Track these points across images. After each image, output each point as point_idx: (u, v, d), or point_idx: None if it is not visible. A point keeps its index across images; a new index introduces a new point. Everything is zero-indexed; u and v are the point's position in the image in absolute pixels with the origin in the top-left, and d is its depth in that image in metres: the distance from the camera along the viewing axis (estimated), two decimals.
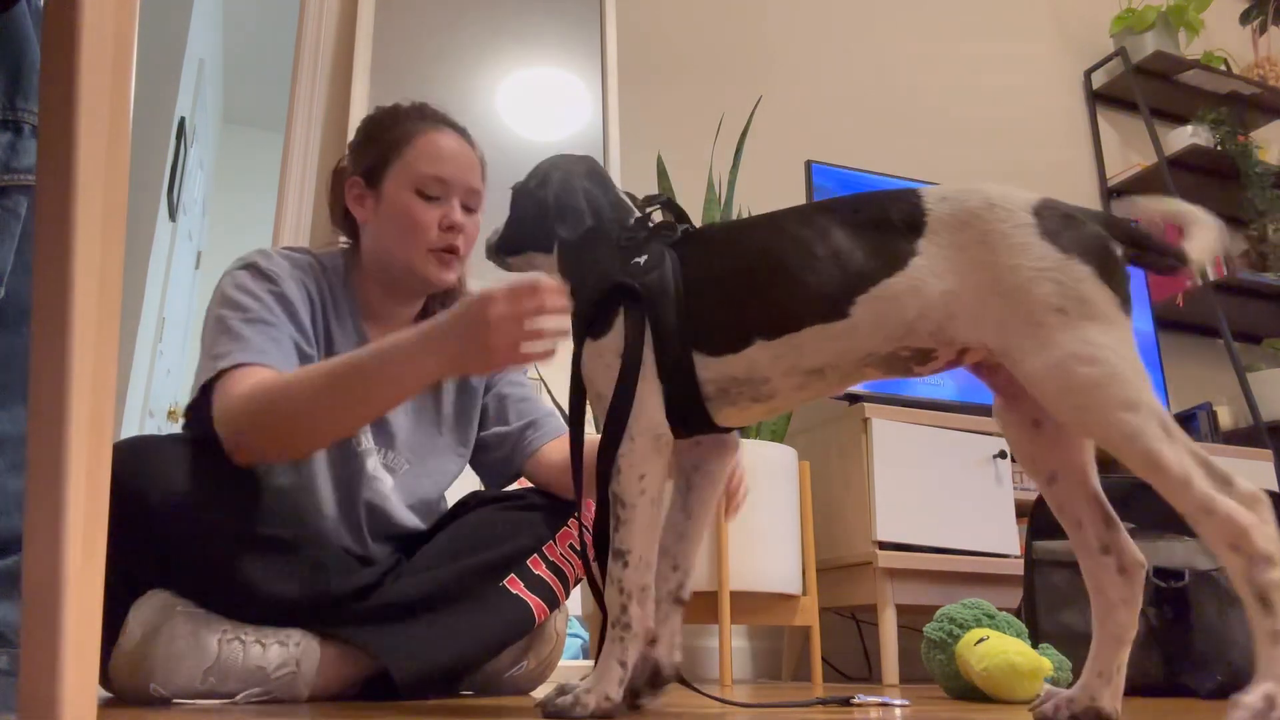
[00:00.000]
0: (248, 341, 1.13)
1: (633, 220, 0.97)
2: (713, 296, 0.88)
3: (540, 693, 1.38)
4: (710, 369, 0.87)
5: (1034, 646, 1.35)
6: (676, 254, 0.91)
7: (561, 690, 0.83)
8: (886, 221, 0.85)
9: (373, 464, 1.29)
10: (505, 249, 1.05)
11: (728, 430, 0.94)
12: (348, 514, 1.27)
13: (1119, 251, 0.81)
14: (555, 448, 1.36)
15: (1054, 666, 1.33)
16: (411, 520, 1.32)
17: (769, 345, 0.85)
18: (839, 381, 0.88)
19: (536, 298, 0.97)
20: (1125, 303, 0.80)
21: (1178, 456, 0.73)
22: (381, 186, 1.29)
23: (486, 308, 0.97)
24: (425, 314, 1.38)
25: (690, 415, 0.89)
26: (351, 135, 2.26)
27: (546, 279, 0.98)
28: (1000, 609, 1.44)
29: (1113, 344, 0.76)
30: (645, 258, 0.90)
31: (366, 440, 1.29)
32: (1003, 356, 0.81)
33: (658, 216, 0.98)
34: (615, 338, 0.88)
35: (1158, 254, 0.83)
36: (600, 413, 0.89)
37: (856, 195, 0.89)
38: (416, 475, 1.34)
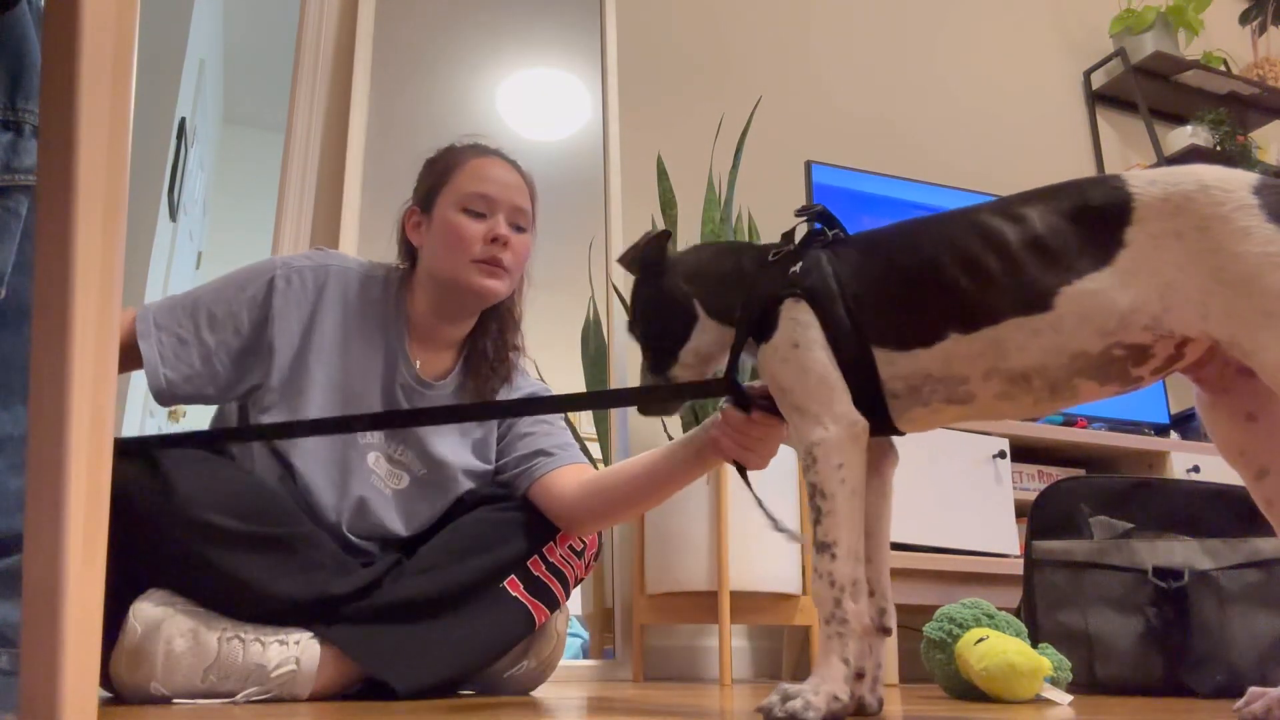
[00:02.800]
0: (172, 304, 1.24)
1: (780, 238, 0.97)
2: (895, 291, 0.86)
3: (540, 692, 1.38)
4: (898, 364, 0.85)
5: (1033, 646, 1.35)
6: (840, 255, 0.90)
7: (786, 695, 0.78)
8: (1088, 208, 0.82)
9: (374, 458, 1.29)
10: (664, 363, 1.00)
11: (899, 434, 0.92)
12: (338, 504, 1.26)
13: None
14: (560, 476, 1.33)
15: (1053, 666, 1.33)
16: (397, 526, 1.30)
17: (965, 340, 0.83)
18: (1048, 393, 0.84)
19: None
20: None
21: None
22: (433, 210, 1.33)
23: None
24: (474, 335, 1.38)
25: (871, 416, 0.87)
26: (352, 136, 2.28)
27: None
28: (1000, 609, 1.44)
29: None
30: (800, 265, 0.90)
31: (373, 435, 1.29)
32: (1232, 348, 0.77)
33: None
34: (784, 331, 0.88)
35: None
36: (788, 408, 0.89)
37: (1052, 185, 0.86)
38: (426, 485, 1.32)
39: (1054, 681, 1.33)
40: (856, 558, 0.83)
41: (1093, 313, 0.80)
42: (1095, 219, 0.82)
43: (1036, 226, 0.83)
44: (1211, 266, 0.77)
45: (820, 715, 0.76)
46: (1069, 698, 1.28)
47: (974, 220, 0.86)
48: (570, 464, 1.34)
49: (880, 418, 0.87)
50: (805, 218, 0.97)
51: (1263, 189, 0.79)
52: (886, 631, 0.92)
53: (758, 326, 0.90)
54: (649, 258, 1.00)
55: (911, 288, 0.85)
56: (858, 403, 0.86)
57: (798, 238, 0.97)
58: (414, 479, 1.32)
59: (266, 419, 1.23)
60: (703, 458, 1.13)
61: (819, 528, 0.83)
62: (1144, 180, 0.82)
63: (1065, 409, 0.85)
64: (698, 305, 0.97)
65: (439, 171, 1.36)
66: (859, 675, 0.89)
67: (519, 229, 1.35)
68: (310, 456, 1.24)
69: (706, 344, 0.98)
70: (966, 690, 1.35)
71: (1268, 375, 0.76)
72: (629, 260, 1.02)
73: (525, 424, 1.40)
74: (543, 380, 1.52)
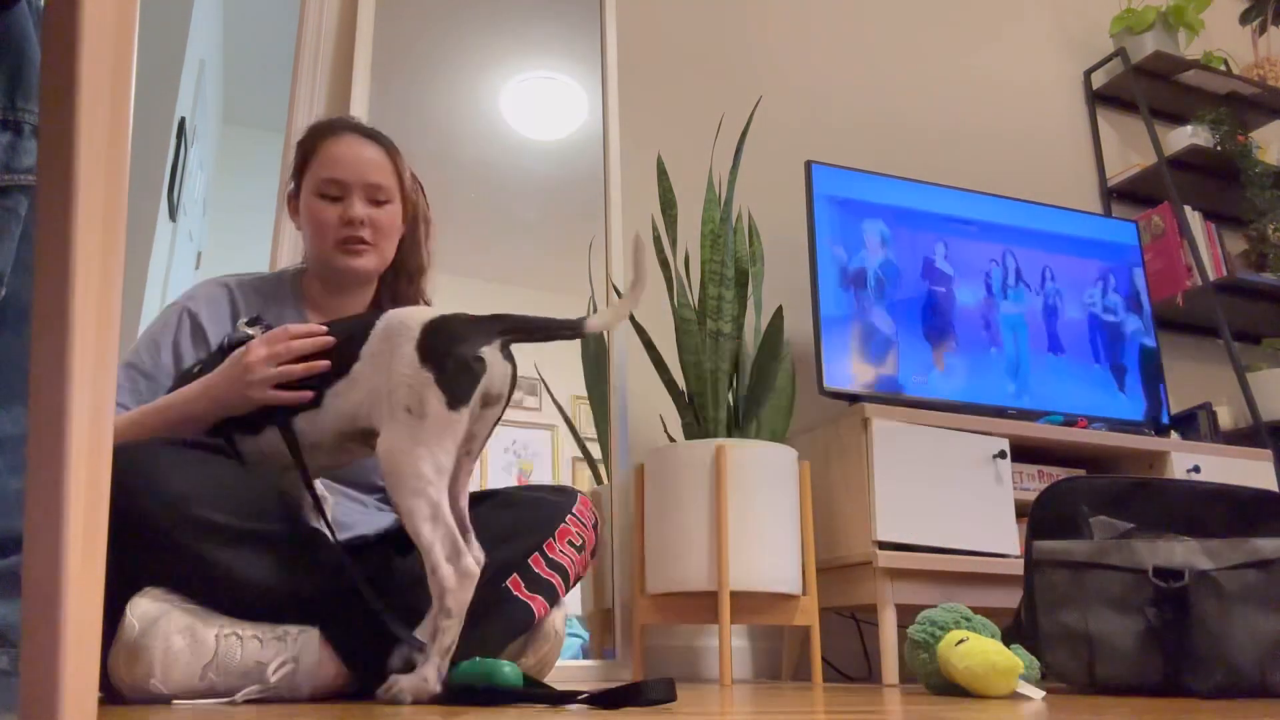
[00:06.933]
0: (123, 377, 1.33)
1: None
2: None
3: None
4: (248, 444, 1.19)
5: (1007, 646, 1.41)
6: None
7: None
8: (350, 335, 1.15)
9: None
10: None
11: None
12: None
13: (476, 355, 1.07)
14: None
15: (1025, 665, 1.41)
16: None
17: (277, 429, 1.16)
18: (334, 450, 1.17)
19: (286, 342, 1.16)
20: (459, 400, 1.05)
21: (431, 533, 1.02)
22: (300, 196, 1.45)
23: (246, 353, 1.16)
24: (377, 300, 1.50)
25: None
26: None
27: (297, 326, 1.18)
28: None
29: (426, 441, 1.03)
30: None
31: None
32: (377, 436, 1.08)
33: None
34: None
35: (550, 333, 1.12)
36: None
37: (351, 317, 1.22)
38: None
39: (1026, 679, 1.42)
40: None
41: (338, 408, 1.13)
42: (352, 342, 1.14)
43: (337, 348, 1.15)
44: (386, 381, 1.07)
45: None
46: (1042, 693, 1.36)
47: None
48: None
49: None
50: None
51: (429, 327, 1.09)
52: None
53: None
54: None
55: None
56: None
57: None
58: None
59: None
60: None
61: None
62: (383, 318, 1.14)
63: (351, 460, 1.23)
64: None
65: (300, 157, 1.45)
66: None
67: (379, 203, 1.42)
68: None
69: None
70: (947, 688, 1.42)
71: (380, 456, 1.05)
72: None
73: None
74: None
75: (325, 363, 1.15)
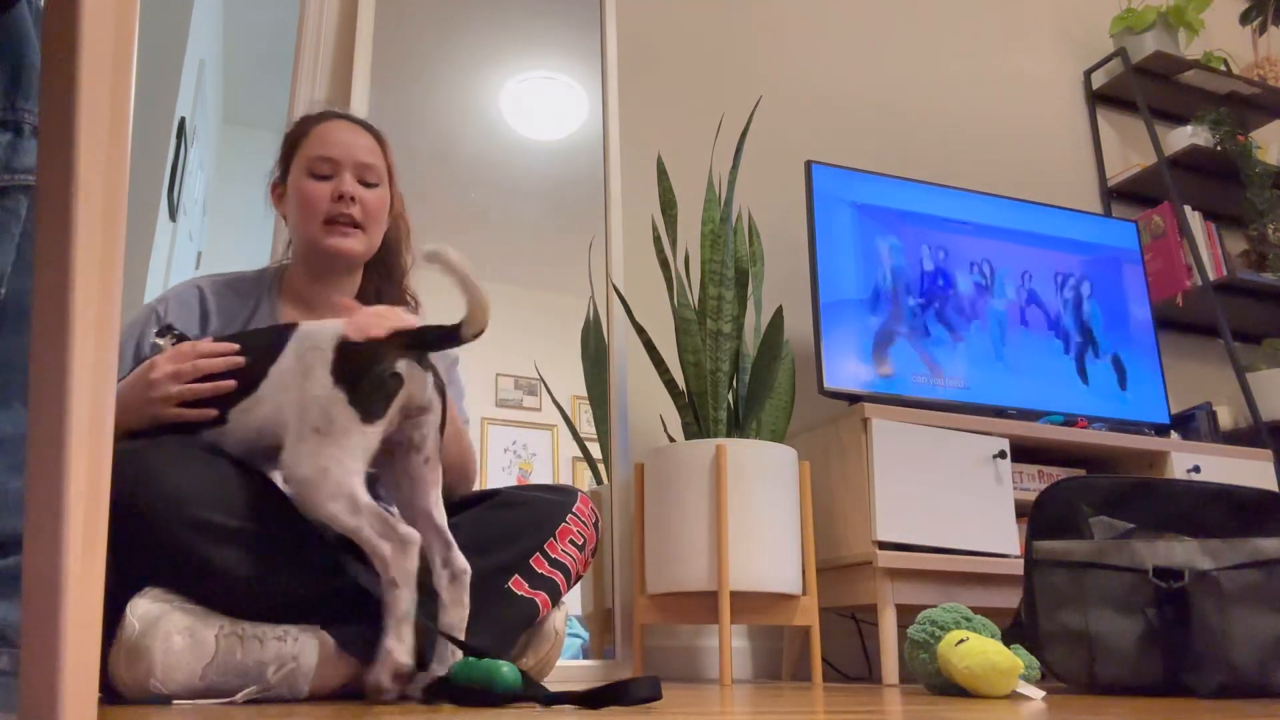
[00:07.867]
0: None
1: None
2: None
3: None
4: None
5: (1007, 646, 1.41)
6: None
7: None
8: (260, 350, 1.13)
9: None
10: None
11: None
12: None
13: (389, 370, 1.06)
14: None
15: (1025, 665, 1.41)
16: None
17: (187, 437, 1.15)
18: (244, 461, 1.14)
19: (193, 361, 1.13)
20: (372, 416, 1.05)
21: (357, 520, 1.02)
22: (288, 180, 1.46)
23: (150, 369, 1.14)
24: (363, 295, 1.49)
25: None
26: None
27: (206, 344, 1.16)
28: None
29: (333, 454, 1.03)
30: None
31: None
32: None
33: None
34: None
35: (441, 344, 1.09)
36: None
37: (261, 331, 1.20)
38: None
39: (1026, 679, 1.42)
40: None
41: (242, 424, 1.12)
42: (262, 357, 1.12)
43: (245, 365, 1.13)
44: (297, 398, 1.07)
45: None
46: (1042, 693, 1.36)
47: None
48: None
49: None
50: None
51: (340, 344, 1.08)
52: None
53: None
54: None
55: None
56: None
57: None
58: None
59: None
60: None
61: None
62: (296, 332, 1.13)
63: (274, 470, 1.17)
64: None
65: (289, 143, 1.47)
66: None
67: (369, 185, 1.43)
68: None
69: None
70: (947, 687, 1.41)
71: (285, 476, 1.05)
72: None
73: None
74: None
75: (231, 383, 1.12)
